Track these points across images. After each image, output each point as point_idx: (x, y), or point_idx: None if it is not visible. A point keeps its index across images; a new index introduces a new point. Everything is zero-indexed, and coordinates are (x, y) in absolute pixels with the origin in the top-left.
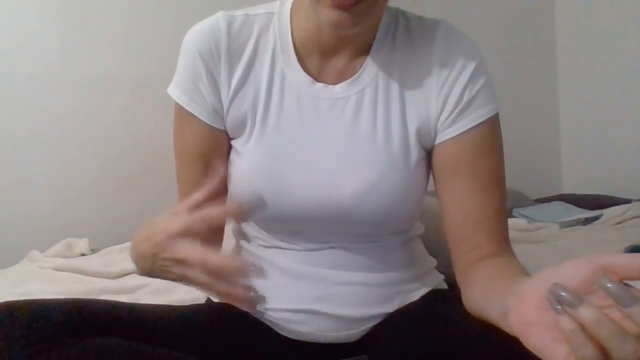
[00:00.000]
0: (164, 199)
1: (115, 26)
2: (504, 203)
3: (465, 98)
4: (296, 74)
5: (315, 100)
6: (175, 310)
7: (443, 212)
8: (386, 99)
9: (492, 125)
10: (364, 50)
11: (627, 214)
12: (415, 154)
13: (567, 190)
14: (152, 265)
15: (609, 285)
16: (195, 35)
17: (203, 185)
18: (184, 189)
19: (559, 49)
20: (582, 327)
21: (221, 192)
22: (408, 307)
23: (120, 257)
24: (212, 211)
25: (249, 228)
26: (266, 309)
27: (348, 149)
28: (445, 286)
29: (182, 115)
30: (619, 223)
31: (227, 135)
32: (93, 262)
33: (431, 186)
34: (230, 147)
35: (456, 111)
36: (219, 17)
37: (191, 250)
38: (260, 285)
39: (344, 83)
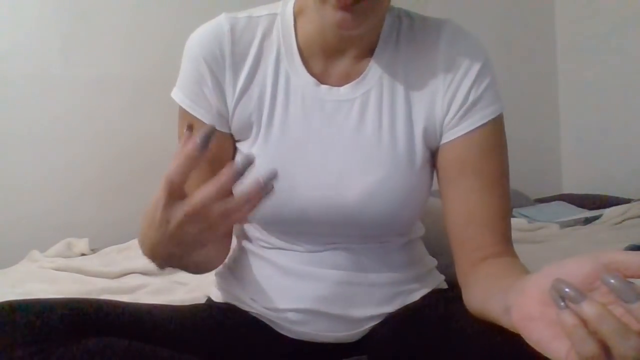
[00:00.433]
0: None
1: (115, 26)
2: (508, 203)
3: (471, 98)
4: (301, 76)
5: (320, 102)
6: (175, 310)
7: (446, 212)
8: (391, 100)
9: (497, 125)
10: (368, 51)
11: (627, 214)
12: (420, 155)
13: (567, 190)
14: (167, 247)
15: (612, 281)
16: (199, 39)
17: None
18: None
19: (559, 49)
20: (584, 322)
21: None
22: (408, 307)
23: (120, 257)
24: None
25: (251, 229)
26: (267, 309)
27: (353, 151)
28: (445, 286)
29: (187, 119)
30: (619, 223)
31: (232, 138)
32: (93, 262)
33: (432, 186)
34: (235, 151)
35: (461, 111)
36: (222, 20)
37: (192, 198)
38: (262, 285)
39: (348, 85)
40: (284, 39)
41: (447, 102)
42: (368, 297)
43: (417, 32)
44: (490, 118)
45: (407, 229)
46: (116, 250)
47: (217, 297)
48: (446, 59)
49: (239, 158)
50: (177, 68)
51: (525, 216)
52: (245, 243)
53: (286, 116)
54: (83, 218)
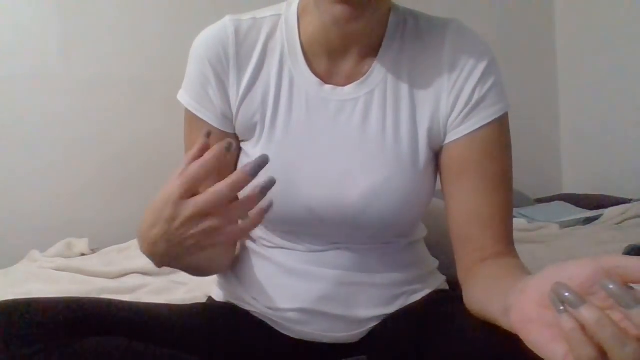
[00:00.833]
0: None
1: (115, 26)
2: (510, 203)
3: (476, 97)
4: (304, 75)
5: (324, 102)
6: (175, 310)
7: (449, 211)
8: (395, 100)
9: (501, 124)
10: (372, 51)
11: (627, 214)
12: (424, 155)
13: (567, 190)
14: (168, 245)
15: (610, 286)
16: (204, 41)
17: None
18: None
19: (559, 49)
20: (583, 327)
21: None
22: (409, 307)
23: (120, 257)
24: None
25: (255, 228)
26: (268, 308)
27: (357, 151)
28: (447, 287)
29: (192, 120)
30: (619, 223)
31: (237, 139)
32: (93, 262)
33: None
34: (239, 152)
35: (466, 110)
36: (226, 22)
37: (201, 197)
38: (263, 284)
39: (352, 84)
40: (287, 39)
41: (451, 102)
42: (370, 298)
43: (422, 31)
44: (494, 117)
45: (410, 230)
46: (116, 250)
47: (218, 296)
48: (451, 58)
49: (250, 159)
50: (177, 68)
51: (525, 216)
52: (247, 242)
53: (290, 116)
54: (83, 218)
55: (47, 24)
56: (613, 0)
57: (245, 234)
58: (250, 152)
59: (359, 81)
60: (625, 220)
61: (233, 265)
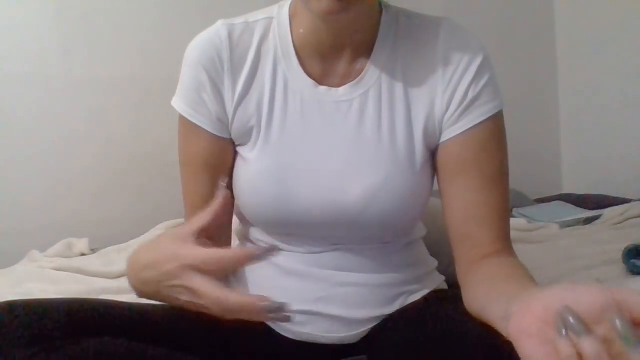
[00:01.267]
0: (164, 199)
1: (116, 27)
2: (507, 200)
3: (470, 95)
4: (299, 77)
5: (319, 103)
6: (174, 310)
7: (446, 209)
8: (390, 100)
9: (497, 121)
10: (366, 51)
11: (627, 214)
12: (420, 155)
13: (567, 190)
14: (157, 291)
15: (618, 323)
16: (197, 47)
17: (209, 201)
18: (190, 199)
19: (559, 49)
20: (580, 356)
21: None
22: (408, 307)
23: (120, 257)
24: (228, 255)
25: (253, 231)
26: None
27: (353, 152)
28: (446, 287)
29: (187, 126)
30: (619, 223)
31: (233, 143)
32: (93, 262)
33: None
34: (235, 155)
35: (461, 108)
36: (219, 27)
37: (207, 286)
38: (262, 285)
39: (347, 86)
40: (280, 42)
41: (446, 100)
42: (369, 298)
43: (415, 30)
44: (489, 115)
45: (408, 230)
46: (116, 250)
47: None
48: (445, 57)
49: (247, 163)
50: (177, 68)
51: (525, 216)
52: (245, 244)
53: (285, 118)
54: (83, 218)
55: (47, 24)
56: (613, 0)
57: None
58: (247, 156)
59: (353, 82)
60: (625, 220)
61: None
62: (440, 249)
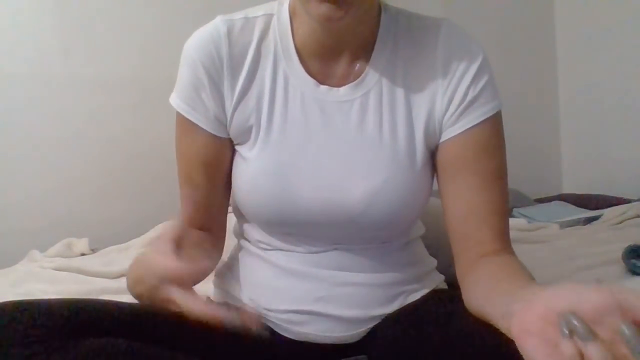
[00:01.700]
0: (164, 199)
1: (116, 26)
2: (506, 200)
3: (470, 96)
4: (299, 76)
5: (320, 103)
6: (174, 310)
7: (445, 209)
8: (391, 101)
9: (495, 122)
10: (365, 52)
11: (627, 214)
12: (420, 155)
13: (567, 190)
14: (152, 302)
15: (626, 331)
16: (196, 43)
17: (205, 198)
18: (186, 197)
19: (559, 49)
20: (582, 356)
21: (225, 200)
22: (408, 307)
23: (120, 257)
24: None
25: (251, 231)
26: (266, 309)
27: (354, 153)
28: (445, 286)
29: (184, 124)
30: (619, 223)
31: (230, 142)
32: (93, 262)
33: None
34: (233, 153)
35: (460, 109)
36: (218, 23)
37: (180, 297)
38: (261, 285)
39: (347, 86)
40: (281, 40)
41: (446, 101)
42: (368, 298)
43: (415, 31)
44: (488, 115)
45: (408, 229)
46: (116, 250)
47: (217, 297)
48: (444, 58)
49: (246, 162)
50: (177, 67)
51: (525, 216)
52: (244, 243)
53: (286, 117)
54: (83, 218)
55: (47, 24)
56: (613, 0)
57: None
58: (247, 154)
59: (354, 83)
60: (625, 220)
61: (230, 265)
62: (440, 248)
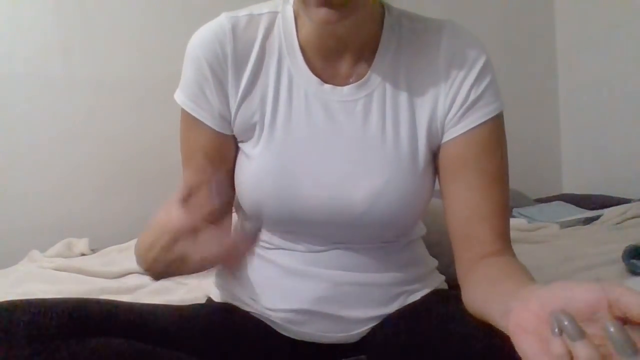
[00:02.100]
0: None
1: (116, 26)
2: (507, 201)
3: (472, 97)
4: (304, 74)
5: (324, 101)
6: (175, 310)
7: (447, 209)
8: (394, 102)
9: (497, 123)
10: (369, 53)
11: (627, 214)
12: (423, 156)
13: (567, 190)
14: (165, 265)
15: (612, 329)
16: (200, 40)
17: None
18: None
19: (559, 49)
20: (571, 355)
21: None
22: (408, 307)
23: (120, 257)
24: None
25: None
26: (267, 309)
27: (357, 152)
28: (446, 287)
29: (188, 120)
30: (619, 223)
31: (234, 139)
32: (93, 262)
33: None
34: (237, 150)
35: (462, 109)
36: (222, 20)
37: (204, 252)
38: (262, 285)
39: (351, 86)
40: (285, 38)
41: (449, 101)
42: (368, 298)
43: (418, 33)
44: (490, 116)
45: (409, 229)
46: (116, 250)
47: (217, 297)
48: (447, 59)
49: (250, 159)
50: (177, 67)
51: (525, 216)
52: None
53: (290, 115)
54: (83, 218)
55: (47, 24)
56: (613, 0)
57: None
58: (250, 152)
59: (357, 83)
60: (625, 220)
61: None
62: (440, 248)
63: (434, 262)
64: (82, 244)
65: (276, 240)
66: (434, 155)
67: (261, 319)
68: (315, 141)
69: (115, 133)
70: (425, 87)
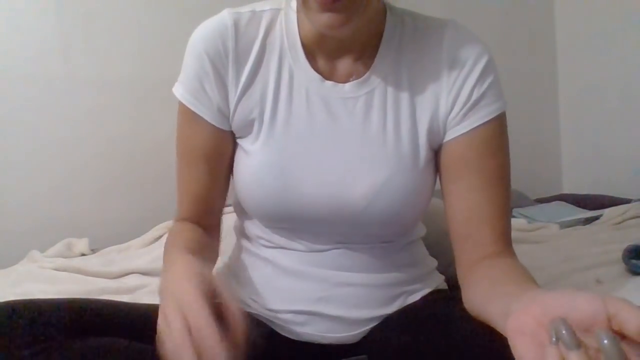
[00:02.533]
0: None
1: (116, 26)
2: (508, 202)
3: (475, 96)
4: (305, 71)
5: (325, 98)
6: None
7: (448, 209)
8: (395, 100)
9: (500, 123)
10: (371, 51)
11: (627, 214)
12: (424, 154)
13: (567, 190)
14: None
15: (605, 342)
16: (202, 34)
17: (205, 192)
18: (184, 189)
19: (559, 49)
20: None
21: (222, 196)
22: (408, 307)
23: (120, 257)
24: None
25: (253, 227)
26: (267, 310)
27: (358, 149)
28: (445, 287)
29: (186, 115)
30: (619, 223)
31: (232, 135)
32: (93, 262)
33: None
34: (234, 147)
35: (465, 108)
36: (225, 15)
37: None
38: (262, 285)
39: (352, 83)
40: (287, 34)
41: (451, 100)
42: (369, 298)
43: (421, 32)
44: (493, 115)
45: (409, 229)
46: (116, 250)
47: None
48: (450, 58)
49: (248, 155)
50: (177, 67)
51: (525, 216)
52: (244, 242)
53: (290, 112)
54: (83, 218)
55: (47, 24)
56: (613, 0)
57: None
58: (249, 148)
59: (359, 80)
60: (625, 220)
61: (230, 265)
62: (440, 248)
63: (434, 262)
64: (82, 244)
65: (276, 238)
66: (435, 153)
67: (261, 319)
68: (315, 138)
69: (115, 133)
70: (427, 85)
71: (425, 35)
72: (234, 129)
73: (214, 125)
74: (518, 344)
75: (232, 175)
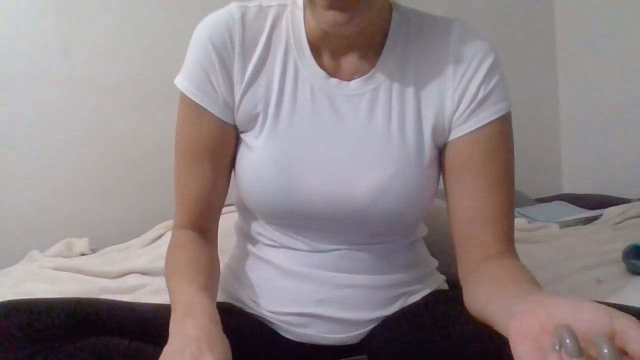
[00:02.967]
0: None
1: (116, 26)
2: (512, 203)
3: (481, 94)
4: (310, 67)
5: (330, 95)
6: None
7: (450, 209)
8: (401, 97)
9: (505, 122)
10: (377, 48)
11: (627, 214)
12: (428, 152)
13: (567, 190)
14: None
15: (605, 351)
16: (209, 26)
17: (207, 189)
18: (185, 188)
19: (559, 49)
20: None
21: (222, 195)
22: (408, 308)
23: (120, 257)
24: None
25: (255, 224)
26: (268, 311)
27: (362, 146)
28: (446, 287)
29: (190, 108)
30: (619, 223)
31: (235, 129)
32: (93, 262)
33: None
34: (237, 142)
35: (471, 107)
36: (232, 8)
37: None
38: (263, 287)
39: (358, 80)
40: (293, 30)
41: (457, 99)
42: (370, 300)
43: (426, 30)
44: (498, 115)
45: (412, 228)
46: (116, 250)
47: (218, 297)
48: (456, 56)
49: (251, 150)
50: (177, 67)
51: (525, 216)
52: (245, 243)
53: (294, 107)
54: (83, 218)
55: (47, 24)
56: (613, 0)
57: None
58: (252, 143)
59: (364, 77)
60: (625, 220)
61: (232, 266)
62: (441, 248)
63: (435, 262)
64: (82, 244)
65: (277, 236)
66: (439, 152)
67: (262, 320)
68: (320, 134)
69: (115, 133)
70: (432, 83)
71: (431, 33)
72: (237, 122)
73: (219, 119)
74: (519, 347)
75: (234, 172)
